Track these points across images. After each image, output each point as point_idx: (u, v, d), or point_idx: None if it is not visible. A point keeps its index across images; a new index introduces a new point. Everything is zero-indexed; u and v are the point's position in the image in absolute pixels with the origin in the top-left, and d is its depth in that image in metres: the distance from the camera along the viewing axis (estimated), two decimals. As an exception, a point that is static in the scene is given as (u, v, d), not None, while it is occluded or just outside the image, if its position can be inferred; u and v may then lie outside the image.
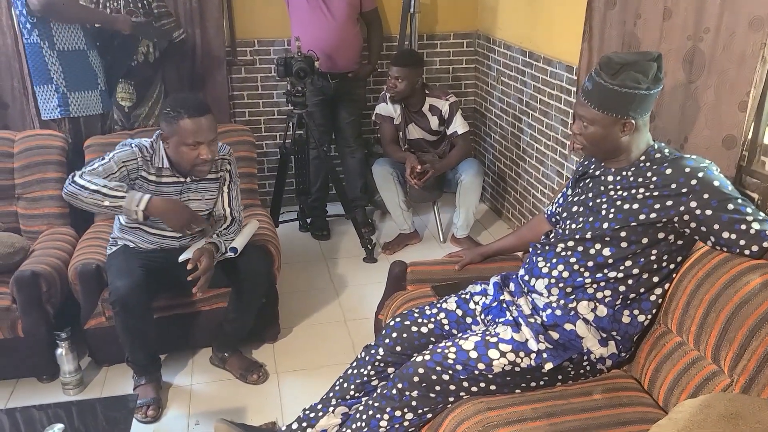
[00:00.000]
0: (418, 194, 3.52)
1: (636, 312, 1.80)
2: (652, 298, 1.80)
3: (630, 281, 1.78)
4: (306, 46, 3.39)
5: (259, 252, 2.50)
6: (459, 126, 3.40)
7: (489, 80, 3.96)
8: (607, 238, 1.79)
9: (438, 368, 1.76)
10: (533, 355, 1.76)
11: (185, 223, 2.23)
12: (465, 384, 1.77)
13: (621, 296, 1.79)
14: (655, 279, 1.79)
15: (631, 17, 2.37)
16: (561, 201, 2.10)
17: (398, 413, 1.78)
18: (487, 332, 1.83)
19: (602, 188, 1.87)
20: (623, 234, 1.77)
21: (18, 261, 2.48)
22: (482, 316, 1.96)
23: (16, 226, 2.76)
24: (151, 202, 2.16)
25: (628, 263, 1.78)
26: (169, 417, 2.31)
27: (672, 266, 1.79)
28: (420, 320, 1.98)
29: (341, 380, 1.98)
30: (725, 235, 1.66)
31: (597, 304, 1.80)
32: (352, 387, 1.94)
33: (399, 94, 3.34)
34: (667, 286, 1.80)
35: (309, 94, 3.53)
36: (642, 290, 1.79)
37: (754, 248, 1.62)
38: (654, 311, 1.81)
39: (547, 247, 1.92)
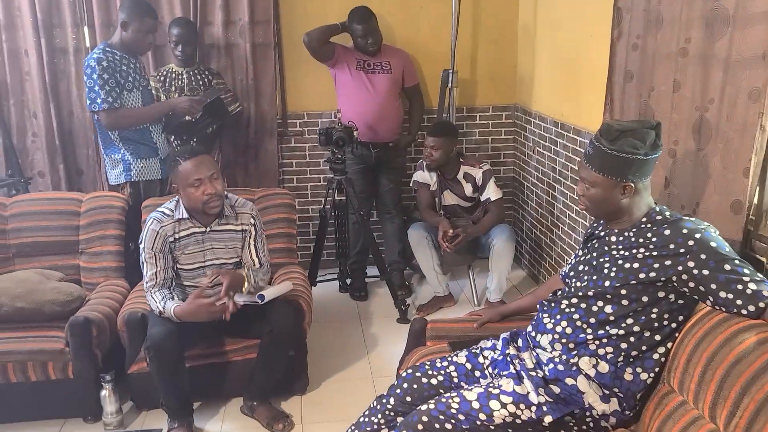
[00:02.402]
0: (451, 258, 3.63)
1: (639, 370, 1.84)
2: (655, 356, 1.84)
3: (632, 338, 1.83)
4: (350, 117, 3.65)
5: (290, 307, 2.66)
6: (492, 193, 3.53)
7: (526, 150, 4.10)
8: (609, 296, 1.86)
9: (441, 417, 1.84)
10: (534, 408, 1.82)
11: (207, 313, 2.43)
12: (468, 434, 1.83)
13: (623, 353, 1.84)
14: (657, 337, 1.83)
15: (646, 89, 2.49)
16: (573, 261, 2.18)
17: (403, 460, 1.86)
18: (491, 384, 1.90)
19: (606, 248, 1.95)
20: (624, 292, 1.83)
21: (74, 308, 2.72)
22: (489, 370, 2.03)
23: (77, 278, 3.02)
24: (176, 312, 2.42)
25: (630, 321, 1.83)
26: (197, 460, 2.44)
27: (674, 325, 1.83)
28: (430, 372, 2.07)
29: (353, 427, 2.07)
30: (722, 294, 1.70)
31: (599, 360, 1.85)
32: (363, 435, 2.03)
33: (434, 163, 3.51)
34: (670, 345, 1.84)
35: (351, 162, 3.76)
36: (644, 348, 1.83)
37: (751, 308, 1.66)
38: (657, 369, 1.85)
39: (552, 305, 2.00)
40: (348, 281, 3.97)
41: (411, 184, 3.76)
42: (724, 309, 1.72)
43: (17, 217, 3.03)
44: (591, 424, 1.86)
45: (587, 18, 3.12)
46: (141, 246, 2.53)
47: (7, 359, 2.54)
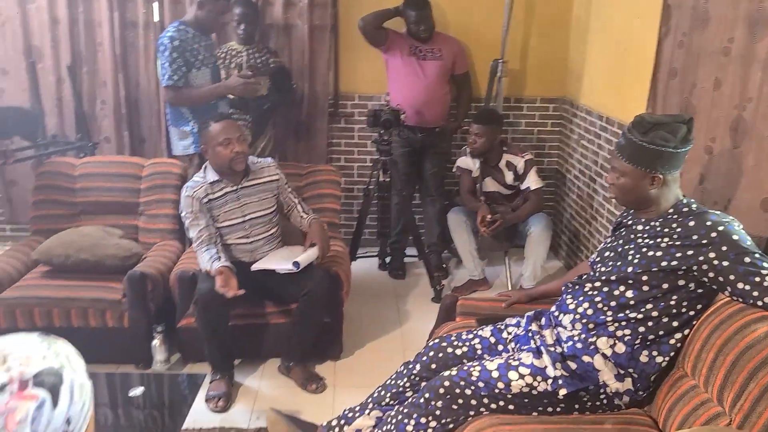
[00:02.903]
0: (489, 243, 3.72)
1: (655, 353, 1.92)
2: (672, 341, 1.92)
3: (650, 323, 1.92)
4: (399, 101, 3.78)
5: (326, 275, 2.82)
6: (532, 182, 3.61)
7: (570, 143, 4.15)
8: (630, 281, 1.94)
9: (462, 383, 1.96)
10: (550, 381, 1.92)
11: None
12: (485, 400, 1.95)
13: (640, 336, 1.92)
14: (675, 323, 1.90)
15: (688, 86, 2.53)
16: (600, 248, 2.26)
17: (423, 420, 1.99)
18: (511, 357, 2.01)
19: (632, 236, 2.03)
20: (645, 278, 1.91)
21: (132, 264, 2.94)
22: (512, 345, 2.14)
23: (136, 237, 3.25)
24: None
25: (649, 306, 1.91)
26: (235, 410, 2.63)
27: (692, 313, 1.90)
28: (456, 343, 2.19)
29: (380, 388, 2.22)
30: (740, 285, 1.77)
31: (616, 341, 1.94)
32: (389, 395, 2.17)
33: (478, 149, 3.61)
34: (687, 331, 1.91)
35: (396, 145, 3.89)
36: (661, 333, 1.91)
37: (767, 300, 1.72)
38: (672, 354, 1.93)
39: (576, 287, 2.09)
40: (388, 260, 4.11)
41: (454, 169, 3.87)
42: (741, 300, 1.79)
43: (85, 178, 3.27)
44: (605, 401, 1.95)
45: (636, 13, 3.15)
46: (182, 215, 2.73)
47: (71, 305, 2.78)
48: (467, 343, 2.19)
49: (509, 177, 3.67)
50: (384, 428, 2.06)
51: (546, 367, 1.94)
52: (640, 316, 1.92)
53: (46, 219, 3.21)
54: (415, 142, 3.94)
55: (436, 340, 2.23)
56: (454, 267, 4.17)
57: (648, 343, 1.93)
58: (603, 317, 1.96)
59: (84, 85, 4.07)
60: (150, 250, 3.17)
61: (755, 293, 1.75)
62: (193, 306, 2.62)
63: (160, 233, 3.23)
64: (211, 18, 3.33)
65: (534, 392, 1.93)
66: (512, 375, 1.94)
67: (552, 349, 1.98)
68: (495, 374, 1.95)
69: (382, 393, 2.19)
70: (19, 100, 4.05)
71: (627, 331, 1.93)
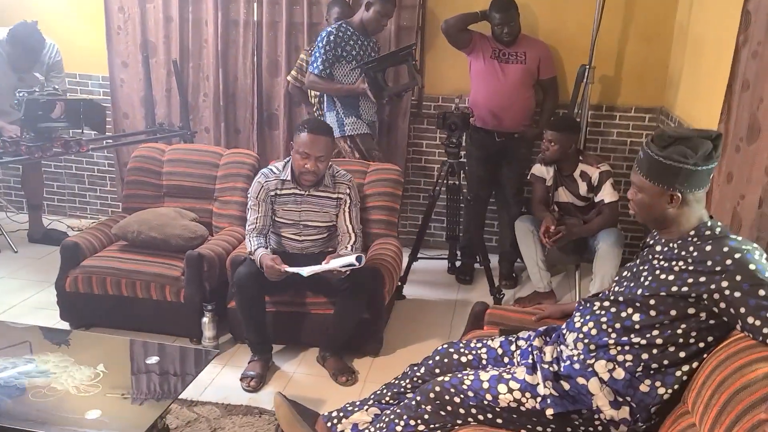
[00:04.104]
0: (557, 255, 3.58)
1: (657, 383, 1.78)
2: (678, 373, 1.77)
3: (654, 350, 1.78)
4: (478, 104, 3.75)
5: (368, 271, 2.86)
6: (607, 195, 3.42)
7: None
8: (638, 304, 1.81)
9: (452, 390, 1.94)
10: (539, 399, 1.85)
11: (269, 275, 2.70)
12: (473, 411, 1.91)
13: (643, 364, 1.79)
14: (682, 354, 1.76)
15: (756, 100, 2.30)
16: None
17: (412, 422, 1.99)
18: (506, 370, 1.95)
19: (650, 256, 1.89)
20: (653, 302, 1.78)
21: (195, 245, 3.17)
22: (518, 358, 2.07)
23: (209, 221, 3.49)
24: (261, 260, 2.71)
25: (655, 332, 1.78)
26: (266, 392, 2.75)
27: (701, 345, 1.74)
28: (463, 350, 2.16)
29: (383, 387, 2.24)
30: (750, 320, 1.61)
31: (616, 366, 1.82)
32: (389, 394, 2.19)
33: (550, 157, 3.48)
34: (696, 364, 1.76)
35: (472, 148, 3.86)
36: (666, 362, 1.77)
37: (777, 339, 1.55)
38: (677, 387, 1.78)
39: (588, 305, 1.99)
40: (457, 264, 4.08)
41: (528, 177, 3.76)
42: (750, 335, 1.62)
43: (171, 163, 3.57)
44: (599, 428, 1.84)
45: (722, 20, 2.90)
46: (249, 195, 2.89)
47: (137, 277, 3.05)
48: (474, 352, 2.15)
49: (583, 188, 3.50)
50: (377, 425, 2.08)
51: (537, 384, 1.87)
52: (644, 342, 1.79)
53: (135, 198, 3.54)
54: (491, 146, 3.87)
55: (444, 345, 2.21)
56: (525, 278, 4.05)
57: (651, 371, 1.79)
58: (605, 339, 1.85)
59: (189, 78, 4.42)
60: (218, 233, 3.40)
61: (765, 330, 1.57)
62: (232, 287, 2.78)
63: (229, 219, 3.44)
64: (375, 19, 3.53)
65: (522, 408, 1.87)
66: (501, 388, 1.89)
67: (546, 366, 1.90)
68: (485, 385, 1.91)
69: (384, 391, 2.21)
70: (136, 90, 4.49)
71: (629, 357, 1.81)
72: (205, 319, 2.96)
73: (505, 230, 4.00)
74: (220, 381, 2.83)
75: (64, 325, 3.20)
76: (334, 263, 2.70)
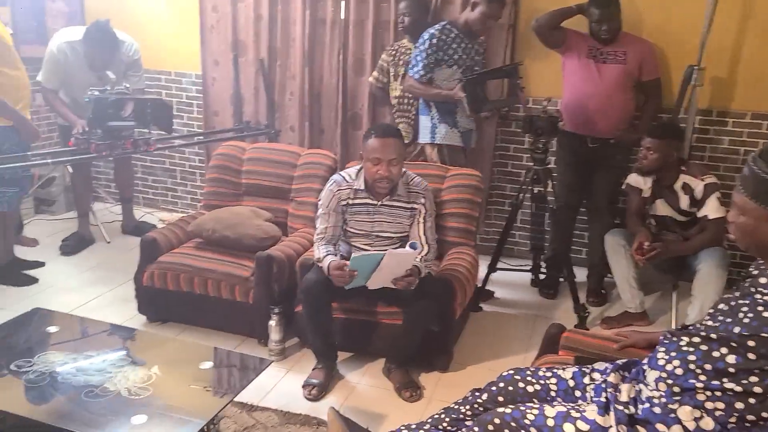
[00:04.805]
0: (650, 274, 3.28)
1: (754, 440, 1.53)
2: (780, 430, 1.51)
3: (751, 400, 1.53)
4: (570, 106, 3.50)
5: (438, 282, 2.71)
6: (711, 210, 3.08)
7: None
8: (734, 344, 1.56)
9: (513, 424, 1.75)
10: (609, 445, 1.63)
11: (336, 281, 2.59)
12: (534, 449, 1.72)
13: (736, 415, 1.54)
14: (786, 408, 1.49)
15: None
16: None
17: (467, 455, 1.82)
18: (576, 407, 1.75)
19: (752, 289, 1.63)
20: (752, 343, 1.53)
21: (266, 246, 3.14)
22: (591, 393, 1.85)
23: (284, 221, 3.46)
24: (328, 267, 2.61)
25: (753, 379, 1.52)
26: (327, 401, 2.66)
27: (811, 398, 1.47)
28: (530, 379, 1.97)
29: (442, 411, 2.08)
30: None
31: (704, 414, 1.58)
32: (447, 420, 2.03)
33: (647, 166, 3.18)
34: (803, 420, 1.49)
35: (562, 153, 3.61)
36: (766, 416, 1.51)
37: None
38: (780, 446, 1.51)
39: (674, 339, 1.74)
40: (541, 276, 3.84)
41: (623, 186, 3.46)
42: None
43: (251, 162, 3.56)
44: (680, 484, 1.61)
45: None
46: (319, 202, 2.81)
47: (208, 276, 3.05)
48: (542, 382, 1.95)
49: (684, 201, 3.18)
50: (431, 453, 1.93)
51: (610, 427, 1.66)
52: (740, 388, 1.54)
53: (215, 196, 3.56)
54: (583, 152, 3.61)
55: (511, 371, 2.02)
56: (616, 295, 3.74)
57: (747, 425, 1.54)
58: (693, 381, 1.61)
59: (276, 77, 4.43)
60: (293, 234, 3.35)
61: None
62: (300, 294, 2.71)
63: (303, 220, 3.39)
64: (479, 20, 3.38)
65: (590, 453, 1.66)
66: (568, 428, 1.69)
67: (621, 407, 1.68)
68: (550, 422, 1.71)
69: (443, 416, 2.06)
70: (226, 88, 4.56)
71: (720, 405, 1.56)
72: (272, 322, 2.92)
73: (595, 243, 3.71)
74: (282, 386, 2.77)
75: (142, 318, 3.27)
76: (392, 258, 2.55)
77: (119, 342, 2.37)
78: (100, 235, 4.41)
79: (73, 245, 4.20)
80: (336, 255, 2.72)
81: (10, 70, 3.37)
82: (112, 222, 4.67)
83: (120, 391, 1.96)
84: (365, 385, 2.81)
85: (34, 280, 3.70)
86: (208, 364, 2.14)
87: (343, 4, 4.16)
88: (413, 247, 2.58)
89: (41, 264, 3.93)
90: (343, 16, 4.18)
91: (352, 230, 2.81)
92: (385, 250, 2.73)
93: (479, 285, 3.48)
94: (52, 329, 2.35)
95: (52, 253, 4.12)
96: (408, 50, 3.77)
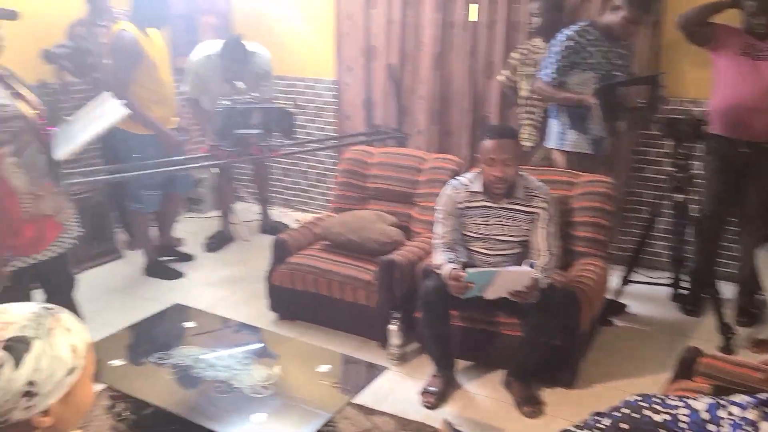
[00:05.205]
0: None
1: None
2: None
3: None
4: (721, 108, 3.22)
5: (561, 293, 2.60)
6: None
7: None
8: None
9: (634, 456, 1.64)
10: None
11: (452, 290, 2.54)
12: (658, 486, 1.59)
13: None
14: None
15: None
16: None
17: (584, 484, 1.73)
18: (710, 446, 1.59)
19: None
20: None
21: (389, 250, 3.17)
22: (727, 430, 1.69)
23: (407, 225, 3.48)
24: (447, 275, 2.56)
25: None
26: (444, 410, 2.64)
27: None
28: (657, 407, 1.83)
29: (559, 433, 1.99)
30: None
31: None
32: (564, 443, 1.93)
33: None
34: None
35: (710, 158, 3.34)
36: None
37: None
38: None
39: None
40: (683, 291, 3.55)
41: (783, 196, 3.12)
42: None
43: (377, 166, 3.62)
44: None
45: None
46: (437, 207, 2.79)
47: (333, 278, 3.14)
48: (671, 411, 1.80)
49: None
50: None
51: (745, 470, 1.49)
52: None
53: (343, 199, 3.66)
54: (735, 157, 3.29)
55: (637, 397, 1.89)
56: (769, 315, 3.40)
57: None
58: None
59: (406, 81, 4.46)
60: (415, 239, 3.36)
61: None
62: (418, 300, 2.71)
63: (427, 224, 3.37)
64: (621, 25, 3.20)
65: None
66: (696, 466, 1.54)
67: (760, 451, 1.51)
68: (678, 460, 1.58)
69: (559, 439, 1.97)
70: (358, 93, 4.67)
71: None
72: (392, 327, 2.94)
73: (746, 257, 3.35)
74: (400, 391, 2.78)
75: (272, 316, 3.43)
76: (507, 275, 2.49)
77: (246, 340, 2.50)
78: (240, 234, 4.69)
79: (216, 243, 4.50)
80: (456, 261, 2.69)
81: (158, 87, 3.69)
82: (251, 221, 4.94)
83: (243, 388, 2.07)
84: (484, 396, 2.75)
85: (179, 275, 4.01)
86: (326, 367, 2.19)
87: (476, 6, 4.10)
88: (532, 265, 2.49)
89: (191, 257, 4.25)
90: (474, 19, 4.13)
91: (470, 234, 2.76)
92: (504, 253, 2.68)
93: (610, 297, 3.30)
94: (189, 324, 2.53)
95: (198, 250, 4.43)
96: (540, 50, 3.64)
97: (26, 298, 2.47)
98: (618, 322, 3.37)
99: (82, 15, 3.96)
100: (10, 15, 2.25)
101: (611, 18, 3.23)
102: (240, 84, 3.72)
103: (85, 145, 2.42)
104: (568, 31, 3.27)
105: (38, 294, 2.64)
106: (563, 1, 3.65)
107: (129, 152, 3.68)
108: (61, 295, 2.65)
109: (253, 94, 3.67)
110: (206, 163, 3.72)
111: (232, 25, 5.07)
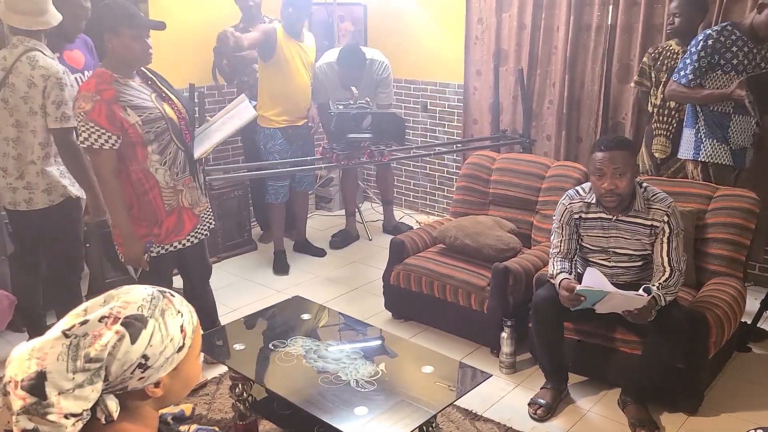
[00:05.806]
0: None
1: None
2: None
3: None
4: None
5: (688, 315, 2.44)
6: None
7: None
8: None
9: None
10: None
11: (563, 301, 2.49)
12: None
13: None
14: None
15: None
16: None
17: None
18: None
19: None
20: None
21: (506, 257, 3.13)
22: None
23: (528, 234, 3.42)
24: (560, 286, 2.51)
25: None
26: (553, 423, 2.58)
27: None
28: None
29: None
30: None
31: None
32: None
33: None
34: None
35: None
36: None
37: None
38: None
39: None
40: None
41: None
42: None
43: (499, 171, 3.59)
44: None
45: None
46: (554, 216, 2.72)
47: (447, 281, 3.16)
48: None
49: None
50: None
51: None
52: None
53: (462, 204, 3.66)
54: None
55: (761, 430, 1.74)
56: None
57: None
58: None
59: (535, 85, 4.38)
60: (535, 247, 3.30)
61: None
62: (530, 309, 2.66)
63: (547, 233, 3.29)
64: (767, 25, 2.98)
65: None
66: None
67: None
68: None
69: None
70: (486, 97, 4.65)
71: None
72: (504, 334, 2.91)
73: None
74: (509, 400, 2.75)
75: (387, 314, 3.51)
76: (619, 298, 2.37)
77: (357, 335, 2.59)
78: (364, 233, 4.83)
79: (341, 240, 4.66)
80: (571, 273, 2.61)
81: (284, 86, 3.94)
82: (375, 221, 5.07)
83: (350, 381, 2.15)
84: (595, 414, 2.65)
85: (287, 270, 4.16)
86: (428, 368, 2.22)
87: (610, 8, 3.95)
88: (647, 291, 2.35)
89: (324, 252, 4.45)
90: (609, 21, 3.97)
91: (587, 246, 2.66)
92: (624, 266, 2.57)
93: (748, 322, 3.04)
94: (305, 316, 2.66)
95: (324, 246, 4.62)
96: (674, 54, 3.42)
97: (167, 282, 2.72)
98: (756, 349, 3.10)
99: (236, 21, 4.26)
100: (159, 26, 2.49)
101: (756, 18, 2.99)
102: (354, 89, 3.85)
103: (217, 144, 2.62)
104: (708, 30, 3.07)
105: (178, 279, 2.90)
106: (706, 1, 3.40)
107: (263, 144, 4.04)
108: (198, 281, 2.89)
109: (367, 99, 3.78)
110: (320, 166, 3.90)
111: (366, 31, 5.23)
